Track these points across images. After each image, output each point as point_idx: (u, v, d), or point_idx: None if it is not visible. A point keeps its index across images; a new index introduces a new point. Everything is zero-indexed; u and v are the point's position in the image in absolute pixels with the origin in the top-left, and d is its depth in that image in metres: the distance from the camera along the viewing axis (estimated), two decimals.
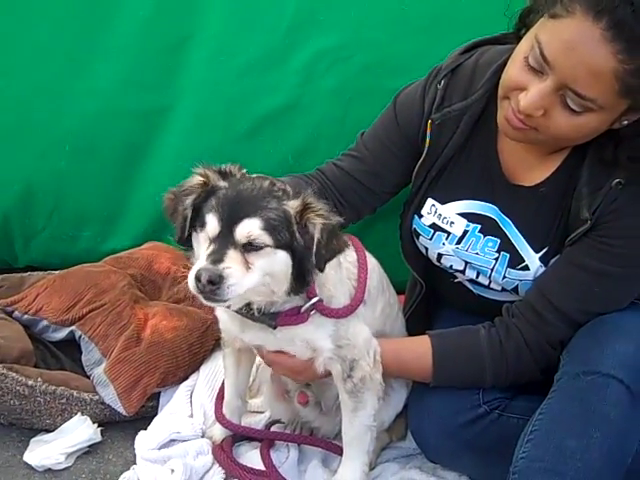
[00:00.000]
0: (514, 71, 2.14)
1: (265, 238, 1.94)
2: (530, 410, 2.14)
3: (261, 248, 1.95)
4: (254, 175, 2.10)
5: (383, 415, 2.44)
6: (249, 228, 1.93)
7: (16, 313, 2.91)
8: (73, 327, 2.85)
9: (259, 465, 2.40)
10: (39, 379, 2.63)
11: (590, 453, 2.00)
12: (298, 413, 2.56)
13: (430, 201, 2.48)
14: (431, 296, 2.71)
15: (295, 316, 2.15)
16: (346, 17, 3.19)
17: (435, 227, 2.47)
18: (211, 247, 1.94)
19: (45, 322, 2.88)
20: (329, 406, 2.46)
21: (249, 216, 1.93)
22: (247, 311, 2.12)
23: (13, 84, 3.26)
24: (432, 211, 2.47)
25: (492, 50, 2.42)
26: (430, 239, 2.49)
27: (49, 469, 2.51)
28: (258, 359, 2.51)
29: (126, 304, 2.88)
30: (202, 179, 2.01)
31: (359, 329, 2.26)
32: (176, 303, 3.04)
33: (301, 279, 2.04)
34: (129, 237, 3.41)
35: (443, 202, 2.46)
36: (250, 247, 1.94)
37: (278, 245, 1.97)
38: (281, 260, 1.99)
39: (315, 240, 1.99)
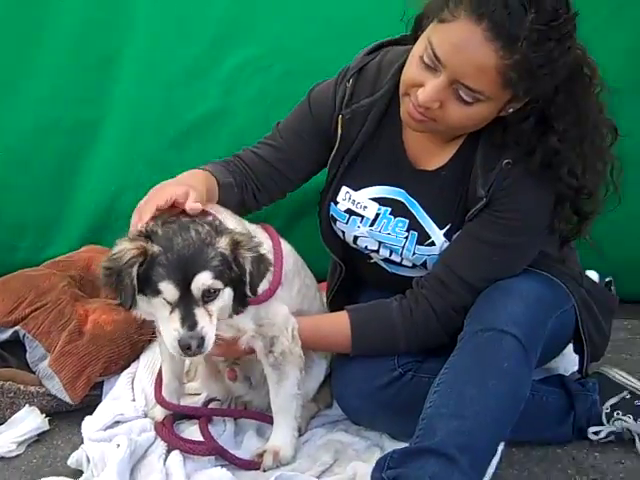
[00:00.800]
0: (412, 70, 2.33)
1: (217, 284, 2.15)
2: (439, 369, 2.29)
3: (217, 295, 2.16)
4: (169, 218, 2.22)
5: (307, 386, 2.59)
6: (202, 281, 2.12)
7: None
8: (17, 327, 2.90)
9: (199, 439, 2.49)
10: None
11: (487, 399, 2.18)
12: (231, 390, 2.68)
13: (344, 188, 2.65)
14: (350, 278, 2.87)
15: None
16: (266, 29, 3.37)
17: (350, 212, 2.64)
18: (177, 312, 2.13)
19: None
20: (257, 380, 2.60)
21: (199, 271, 2.12)
22: None
23: None
24: (347, 197, 2.64)
25: (394, 50, 2.61)
26: (346, 223, 2.66)
27: (2, 457, 2.60)
28: None
29: (67, 302, 2.97)
30: (138, 250, 2.13)
31: (278, 309, 2.44)
32: (114, 300, 3.12)
33: (240, 302, 2.25)
34: (66, 244, 3.52)
35: (356, 189, 2.63)
36: (207, 298, 2.14)
37: (225, 284, 2.18)
38: (228, 295, 2.21)
39: (247, 271, 2.19)
